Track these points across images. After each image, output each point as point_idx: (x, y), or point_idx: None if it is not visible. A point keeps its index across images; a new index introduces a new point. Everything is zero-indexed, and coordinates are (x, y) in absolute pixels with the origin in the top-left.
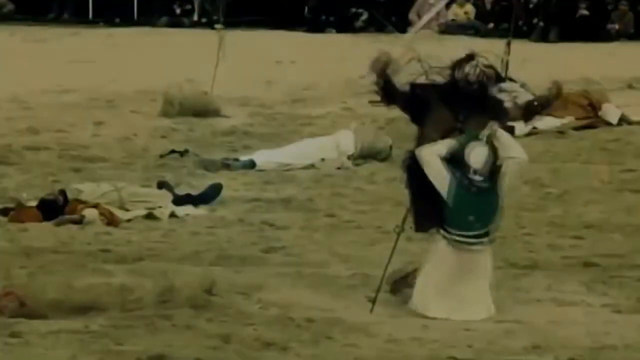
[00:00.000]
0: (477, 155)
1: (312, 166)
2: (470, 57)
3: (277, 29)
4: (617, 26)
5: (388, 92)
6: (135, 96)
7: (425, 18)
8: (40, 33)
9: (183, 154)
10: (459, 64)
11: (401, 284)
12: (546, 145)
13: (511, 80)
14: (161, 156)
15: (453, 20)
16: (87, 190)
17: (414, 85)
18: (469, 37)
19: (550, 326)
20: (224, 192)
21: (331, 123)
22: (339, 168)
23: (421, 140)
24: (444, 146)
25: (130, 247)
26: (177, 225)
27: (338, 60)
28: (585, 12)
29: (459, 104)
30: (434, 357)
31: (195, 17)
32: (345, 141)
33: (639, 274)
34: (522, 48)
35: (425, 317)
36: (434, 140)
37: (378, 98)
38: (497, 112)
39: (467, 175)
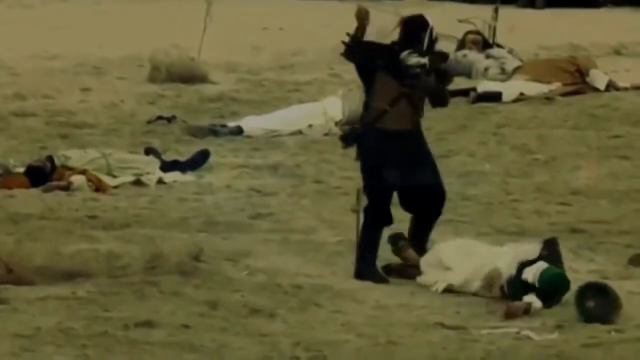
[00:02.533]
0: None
1: (299, 132)
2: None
3: None
4: None
5: (355, 46)
6: (122, 62)
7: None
8: None
9: (170, 120)
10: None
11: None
12: (533, 111)
13: (499, 46)
14: (148, 122)
15: None
16: (74, 156)
17: (360, 43)
18: (457, 3)
19: None
20: (212, 159)
21: (318, 89)
22: (326, 134)
23: (368, 112)
24: None
25: (117, 214)
26: (164, 191)
27: (325, 26)
28: None
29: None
30: (422, 323)
31: None
32: (333, 107)
33: (626, 240)
34: (509, 14)
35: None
36: (383, 111)
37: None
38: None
39: None
